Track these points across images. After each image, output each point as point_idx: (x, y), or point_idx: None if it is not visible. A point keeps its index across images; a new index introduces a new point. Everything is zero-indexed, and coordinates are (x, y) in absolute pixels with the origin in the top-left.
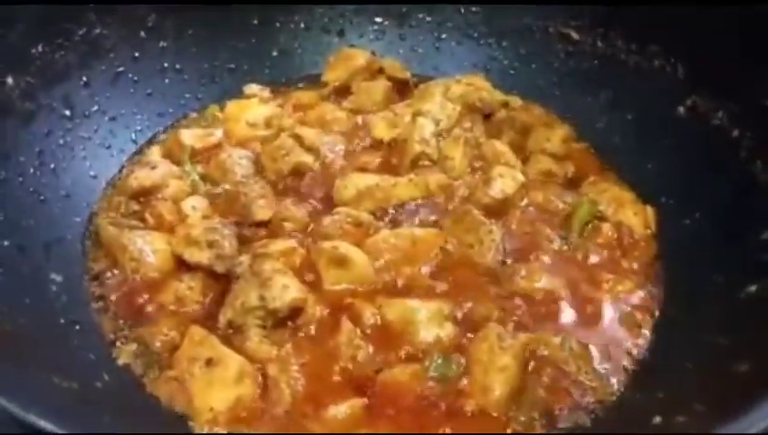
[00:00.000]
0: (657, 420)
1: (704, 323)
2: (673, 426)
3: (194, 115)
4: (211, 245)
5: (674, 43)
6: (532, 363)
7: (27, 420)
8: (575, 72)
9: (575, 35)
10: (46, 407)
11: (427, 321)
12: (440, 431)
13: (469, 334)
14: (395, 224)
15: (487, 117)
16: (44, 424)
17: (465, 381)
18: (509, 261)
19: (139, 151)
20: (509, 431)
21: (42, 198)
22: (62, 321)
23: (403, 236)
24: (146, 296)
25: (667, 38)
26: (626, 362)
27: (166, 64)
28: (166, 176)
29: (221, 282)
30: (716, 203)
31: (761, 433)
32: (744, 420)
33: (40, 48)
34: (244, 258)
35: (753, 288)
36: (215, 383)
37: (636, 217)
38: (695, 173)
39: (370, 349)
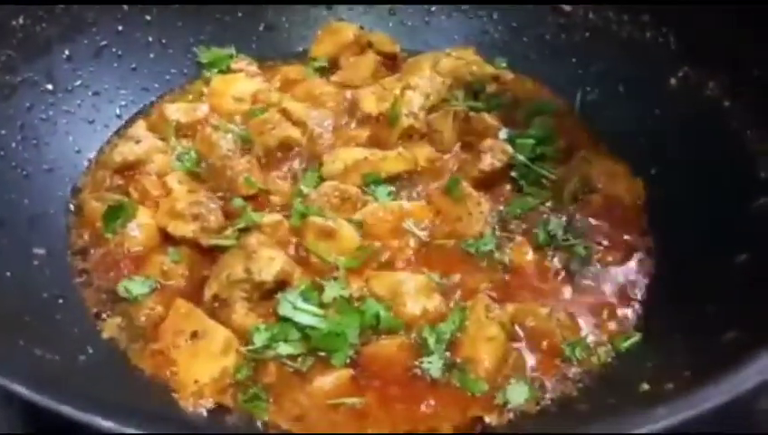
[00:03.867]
0: (645, 387)
1: (693, 292)
2: (660, 393)
3: (179, 90)
4: (196, 218)
5: (666, 14)
6: (520, 334)
7: (12, 391)
8: (566, 45)
9: (566, 7)
10: (30, 378)
11: (415, 293)
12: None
13: (457, 306)
14: None
15: (477, 90)
16: (29, 395)
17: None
18: (498, 233)
19: (124, 126)
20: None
21: (24, 172)
22: (46, 295)
23: (391, 210)
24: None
25: (659, 9)
26: (614, 332)
27: (150, 38)
28: (150, 150)
29: (206, 255)
30: (707, 173)
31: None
32: (727, 383)
33: (21, 20)
34: (230, 232)
35: (742, 257)
36: (200, 356)
37: (626, 189)
38: (686, 144)
39: None
